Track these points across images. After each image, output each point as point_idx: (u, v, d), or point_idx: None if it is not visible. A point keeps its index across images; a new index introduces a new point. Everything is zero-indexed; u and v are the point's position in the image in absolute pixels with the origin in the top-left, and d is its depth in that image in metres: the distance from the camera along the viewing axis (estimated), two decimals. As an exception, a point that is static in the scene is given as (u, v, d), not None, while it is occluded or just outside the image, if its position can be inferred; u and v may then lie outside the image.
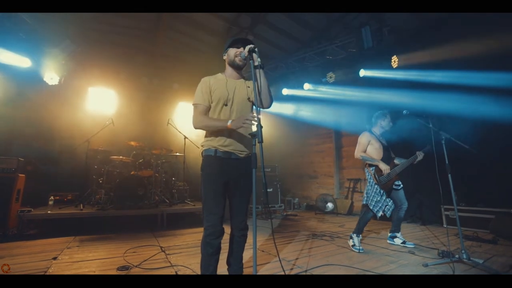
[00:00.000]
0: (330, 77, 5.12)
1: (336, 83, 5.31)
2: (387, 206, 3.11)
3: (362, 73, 4.85)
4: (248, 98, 1.85)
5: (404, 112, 2.90)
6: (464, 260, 2.38)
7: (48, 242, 3.27)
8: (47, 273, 2.20)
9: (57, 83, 4.81)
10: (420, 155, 3.11)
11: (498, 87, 3.75)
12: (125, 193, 4.23)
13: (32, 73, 4.43)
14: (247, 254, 2.75)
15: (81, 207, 4.08)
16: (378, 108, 3.48)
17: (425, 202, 4.85)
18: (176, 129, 5.48)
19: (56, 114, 5.11)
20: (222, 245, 1.73)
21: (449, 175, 2.53)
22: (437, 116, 3.91)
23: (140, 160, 4.91)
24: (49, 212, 3.74)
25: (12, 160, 3.72)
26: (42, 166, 4.80)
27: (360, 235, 3.09)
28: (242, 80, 1.91)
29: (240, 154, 1.80)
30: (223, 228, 1.72)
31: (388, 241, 3.33)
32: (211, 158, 1.76)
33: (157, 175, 4.99)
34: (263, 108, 1.79)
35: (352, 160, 6.57)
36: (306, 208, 7.33)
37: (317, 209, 6.49)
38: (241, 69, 1.90)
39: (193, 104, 1.81)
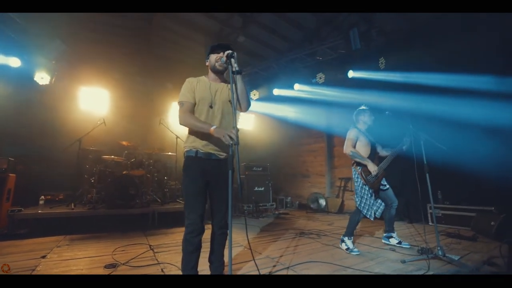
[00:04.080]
0: (320, 78, 5.19)
1: (326, 84, 5.39)
2: (379, 208, 3.07)
3: (351, 74, 4.94)
4: (229, 100, 1.92)
5: (386, 113, 2.99)
6: (440, 256, 2.48)
7: (39, 241, 3.31)
8: (35, 271, 2.26)
9: (48, 83, 4.81)
10: (407, 142, 2.98)
11: (483, 90, 3.86)
12: (116, 193, 4.26)
13: (23, 72, 4.42)
14: (233, 252, 2.85)
15: (73, 207, 4.11)
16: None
17: (412, 201, 4.95)
18: (168, 129, 5.52)
19: (47, 113, 5.12)
20: (204, 243, 1.80)
21: (427, 175, 2.62)
22: (422, 117, 4.03)
23: (132, 160, 4.95)
24: (39, 211, 3.78)
25: (2, 160, 3.75)
26: (33, 165, 4.82)
27: (352, 237, 3.03)
28: (224, 84, 1.98)
29: (220, 155, 1.87)
30: (203, 226, 1.79)
31: (383, 241, 3.29)
32: (192, 159, 1.83)
33: (148, 175, 5.03)
34: (241, 111, 1.89)
35: (344, 159, 6.67)
36: (298, 206, 7.43)
37: (308, 208, 6.59)
38: (223, 74, 1.96)
39: (178, 102, 1.88)
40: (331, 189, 7.07)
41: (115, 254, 2.79)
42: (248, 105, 1.89)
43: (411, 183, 4.70)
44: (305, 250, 3.01)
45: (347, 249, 2.93)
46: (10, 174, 3.80)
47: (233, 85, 1.66)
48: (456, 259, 2.49)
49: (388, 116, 2.99)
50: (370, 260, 2.62)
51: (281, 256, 2.76)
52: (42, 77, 4.71)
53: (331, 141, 7.21)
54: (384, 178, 3.14)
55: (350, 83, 5.32)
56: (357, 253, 2.83)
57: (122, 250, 2.96)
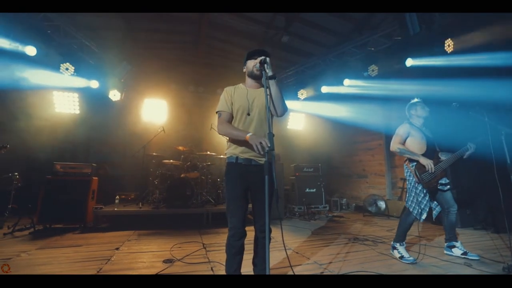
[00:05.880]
0: (373, 70, 4.74)
1: (380, 76, 4.89)
2: (434, 209, 2.80)
3: (409, 62, 4.35)
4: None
5: (453, 104, 2.55)
6: (535, 278, 2.00)
7: (114, 235, 3.87)
8: (110, 261, 2.65)
9: (119, 99, 5.63)
10: (471, 147, 2.70)
11: None
12: (175, 194, 4.69)
13: (100, 92, 5.33)
14: (279, 256, 2.83)
15: (140, 206, 4.69)
16: (427, 100, 3.08)
17: (499, 205, 4.11)
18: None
19: (119, 125, 6.05)
20: (248, 246, 1.83)
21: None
22: (502, 107, 3.32)
23: (188, 163, 5.38)
24: (115, 209, 4.43)
25: (87, 166, 4.50)
26: (110, 169, 5.68)
27: (404, 243, 2.78)
28: (262, 89, 1.98)
29: (260, 160, 1.88)
30: (245, 230, 1.82)
31: (445, 252, 2.89)
32: (233, 165, 1.89)
33: (203, 177, 5.39)
34: (277, 116, 1.89)
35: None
36: (355, 209, 6.96)
37: (366, 211, 6.11)
38: (260, 79, 1.95)
39: (216, 112, 1.96)
40: (393, 191, 6.40)
41: (172, 250, 3.07)
42: (284, 110, 1.86)
43: (493, 186, 3.94)
44: (357, 257, 2.79)
45: (401, 257, 2.67)
46: (94, 178, 4.54)
47: (267, 90, 1.65)
48: (560, 283, 1.96)
49: (456, 108, 2.54)
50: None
51: (330, 262, 2.62)
52: (114, 94, 5.54)
53: (390, 138, 6.49)
54: (445, 178, 2.76)
55: (409, 73, 4.72)
56: (413, 261, 2.57)
57: (179, 247, 3.23)
